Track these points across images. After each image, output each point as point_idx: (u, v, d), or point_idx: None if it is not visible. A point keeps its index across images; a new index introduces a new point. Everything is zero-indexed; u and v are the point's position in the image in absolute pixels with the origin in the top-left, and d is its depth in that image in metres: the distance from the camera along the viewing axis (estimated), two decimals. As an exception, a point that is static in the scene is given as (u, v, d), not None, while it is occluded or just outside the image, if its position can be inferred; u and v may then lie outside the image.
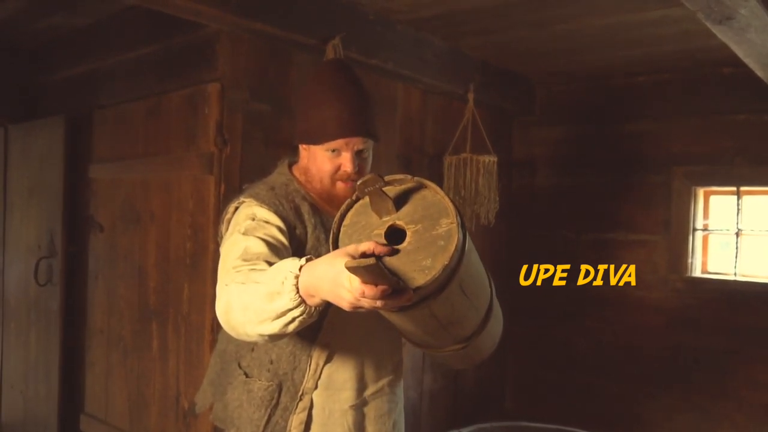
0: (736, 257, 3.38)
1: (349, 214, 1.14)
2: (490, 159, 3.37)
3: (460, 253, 1.04)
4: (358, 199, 1.13)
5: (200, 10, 2.15)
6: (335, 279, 0.99)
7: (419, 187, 1.11)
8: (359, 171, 1.41)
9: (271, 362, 1.42)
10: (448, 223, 1.02)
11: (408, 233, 1.05)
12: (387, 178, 1.11)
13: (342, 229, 1.12)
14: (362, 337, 1.46)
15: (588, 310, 3.81)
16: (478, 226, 3.42)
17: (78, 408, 3.23)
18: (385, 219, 1.08)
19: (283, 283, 1.08)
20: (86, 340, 3.22)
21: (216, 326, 2.43)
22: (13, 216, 3.69)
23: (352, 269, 0.92)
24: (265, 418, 1.41)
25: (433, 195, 1.08)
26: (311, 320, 1.13)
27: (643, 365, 3.61)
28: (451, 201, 1.06)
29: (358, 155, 1.41)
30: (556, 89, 3.96)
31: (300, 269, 1.07)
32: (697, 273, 3.51)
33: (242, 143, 2.47)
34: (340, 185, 1.41)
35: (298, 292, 1.06)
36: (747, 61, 2.17)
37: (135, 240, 2.89)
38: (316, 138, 1.39)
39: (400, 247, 1.03)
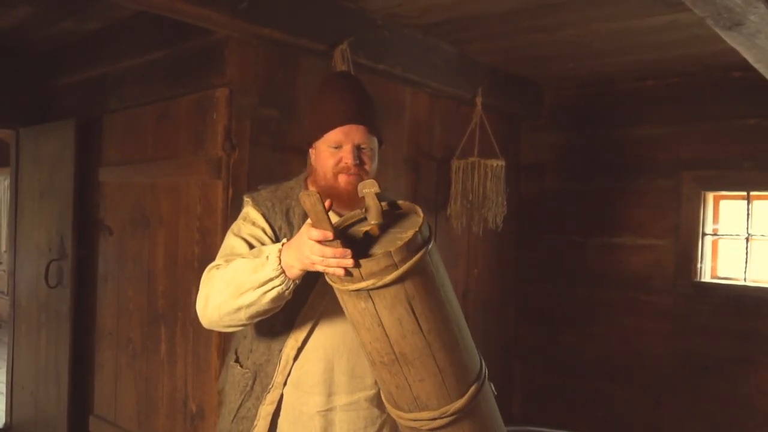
0: (746, 262, 3.36)
1: (354, 215, 1.31)
2: (498, 163, 3.36)
3: (412, 254, 1.16)
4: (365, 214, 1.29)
5: (209, 16, 2.17)
6: (300, 236, 1.20)
7: (412, 212, 1.30)
8: (361, 164, 1.42)
9: (251, 351, 1.51)
10: (412, 231, 1.18)
11: (384, 233, 1.25)
12: (398, 202, 1.32)
13: (342, 219, 1.31)
14: (337, 343, 1.46)
15: (596, 315, 3.79)
16: (486, 230, 3.42)
17: (87, 409, 3.25)
18: (372, 223, 1.25)
19: (267, 257, 1.25)
20: (95, 342, 3.24)
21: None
22: (24, 218, 3.72)
23: (302, 195, 1.13)
24: (239, 401, 1.50)
25: (416, 217, 1.26)
26: (285, 296, 1.27)
27: (651, 371, 3.59)
28: (424, 220, 1.23)
29: (359, 149, 1.42)
30: (565, 93, 3.95)
31: (282, 245, 1.26)
32: (706, 278, 3.49)
33: (250, 148, 2.48)
34: (342, 178, 1.42)
35: (280, 263, 1.23)
36: (757, 66, 2.15)
37: (144, 243, 2.91)
38: (318, 132, 1.44)
39: (374, 241, 1.22)
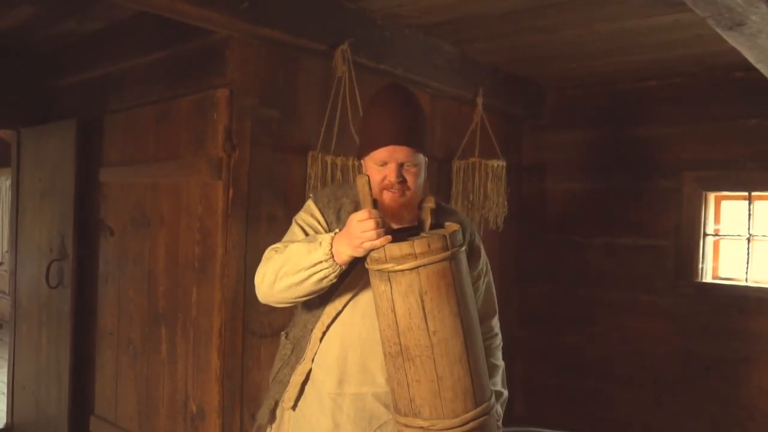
0: (747, 263, 3.35)
1: (408, 226, 1.50)
2: (499, 163, 3.36)
3: (433, 252, 1.32)
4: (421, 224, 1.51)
5: (210, 16, 2.17)
6: (349, 222, 1.38)
7: (453, 227, 1.49)
8: (405, 181, 1.51)
9: (293, 326, 1.71)
10: (441, 235, 1.36)
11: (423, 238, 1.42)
12: (448, 224, 1.51)
13: (398, 227, 1.49)
14: (353, 336, 1.58)
15: (597, 315, 3.79)
16: (487, 231, 3.41)
17: (88, 410, 3.25)
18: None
19: (321, 243, 1.42)
20: (96, 342, 3.24)
21: (224, 330, 2.45)
22: (25, 219, 3.72)
23: (358, 177, 1.41)
24: (279, 367, 1.70)
25: (452, 229, 1.44)
26: (330, 280, 1.43)
27: (653, 372, 3.59)
28: (456, 232, 1.42)
29: (403, 167, 1.51)
30: (566, 94, 3.95)
31: (335, 234, 1.43)
32: (707, 278, 3.49)
33: (251, 148, 2.48)
34: (386, 194, 1.52)
35: (331, 249, 1.40)
36: (759, 66, 2.15)
37: (144, 244, 2.91)
38: (365, 150, 1.54)
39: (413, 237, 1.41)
